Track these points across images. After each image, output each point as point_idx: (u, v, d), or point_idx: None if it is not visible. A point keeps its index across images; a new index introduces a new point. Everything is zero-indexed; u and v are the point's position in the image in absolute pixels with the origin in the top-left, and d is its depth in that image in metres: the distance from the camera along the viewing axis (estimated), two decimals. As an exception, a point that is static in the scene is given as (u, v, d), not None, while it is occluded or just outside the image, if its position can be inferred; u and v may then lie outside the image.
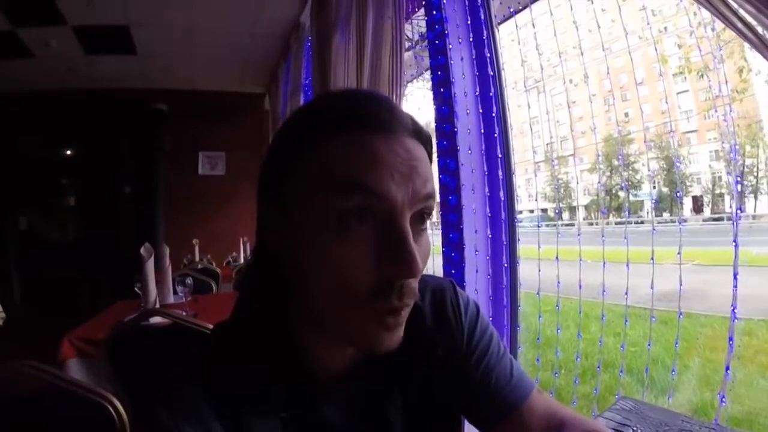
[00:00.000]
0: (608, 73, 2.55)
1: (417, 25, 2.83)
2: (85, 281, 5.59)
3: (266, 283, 0.54)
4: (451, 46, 2.01)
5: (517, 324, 2.01)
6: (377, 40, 2.29)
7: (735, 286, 1.38)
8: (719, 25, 1.19)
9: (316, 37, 3.14)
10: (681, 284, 1.66)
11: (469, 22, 2.08)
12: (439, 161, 1.99)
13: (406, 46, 2.46)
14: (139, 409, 0.51)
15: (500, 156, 2.02)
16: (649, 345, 2.34)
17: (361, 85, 2.38)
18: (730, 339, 1.41)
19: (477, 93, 2.05)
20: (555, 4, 2.20)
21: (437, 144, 1.99)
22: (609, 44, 2.38)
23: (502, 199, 2.01)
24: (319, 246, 0.46)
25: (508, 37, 2.39)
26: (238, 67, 5.51)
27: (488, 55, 2.05)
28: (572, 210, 20.10)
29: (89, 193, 6.09)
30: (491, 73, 2.04)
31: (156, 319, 1.70)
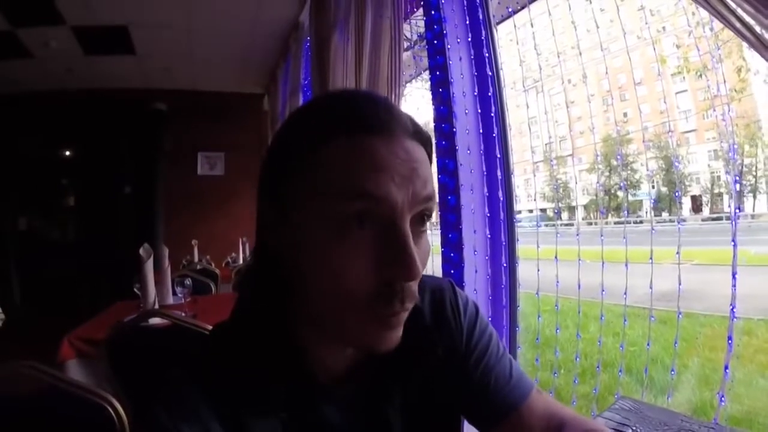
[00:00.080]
0: (607, 73, 2.56)
1: (415, 25, 2.83)
2: (85, 281, 5.58)
3: (266, 284, 0.54)
4: (449, 46, 2.01)
5: (516, 324, 2.01)
6: (376, 40, 2.29)
7: (734, 286, 1.38)
8: (717, 24, 1.19)
9: (314, 37, 3.14)
10: (680, 284, 1.66)
11: (467, 22, 2.08)
12: (437, 161, 1.99)
13: (405, 46, 2.46)
14: (138, 410, 0.51)
15: (499, 156, 2.02)
16: (648, 345, 2.34)
17: (359, 85, 2.38)
18: (730, 338, 1.41)
19: (476, 93, 2.05)
20: (553, 4, 2.20)
21: (436, 144, 1.99)
22: (607, 44, 2.39)
23: (501, 199, 2.01)
24: (318, 248, 0.46)
25: (506, 37, 2.39)
26: (237, 67, 5.51)
27: (487, 55, 2.05)
28: (571, 210, 20.10)
29: (89, 194, 6.09)
30: (490, 73, 2.04)
31: (155, 320, 1.70)
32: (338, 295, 0.46)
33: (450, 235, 1.96)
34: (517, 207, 2.10)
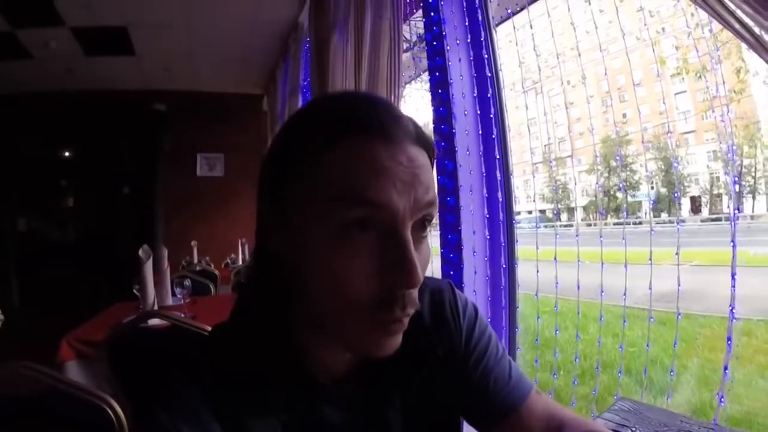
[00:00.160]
0: (606, 74, 2.56)
1: (415, 26, 2.83)
2: (85, 282, 5.58)
3: (265, 285, 0.54)
4: (449, 48, 2.01)
5: (515, 325, 2.01)
6: (375, 41, 2.29)
7: (733, 287, 1.38)
8: (717, 26, 1.19)
9: (314, 38, 3.15)
10: (679, 285, 1.67)
11: (467, 24, 2.08)
12: (437, 162, 1.98)
13: (404, 48, 2.46)
14: (138, 411, 0.51)
15: (498, 157, 2.02)
16: (647, 345, 2.35)
17: (359, 86, 2.38)
18: (729, 339, 1.41)
19: (475, 94, 2.05)
20: (552, 6, 2.20)
21: (435, 145, 1.99)
22: (607, 45, 2.39)
23: (501, 200, 2.01)
24: (319, 251, 0.46)
25: (505, 38, 2.39)
26: (237, 67, 5.51)
27: (486, 56, 2.05)
28: (570, 211, 20.10)
29: (88, 194, 6.09)
30: (489, 75, 2.04)
31: (154, 321, 1.70)
32: (338, 299, 0.46)
33: (449, 237, 1.96)
34: (516, 208, 2.10)
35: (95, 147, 5.97)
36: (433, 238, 1.97)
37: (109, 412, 1.07)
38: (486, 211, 2.01)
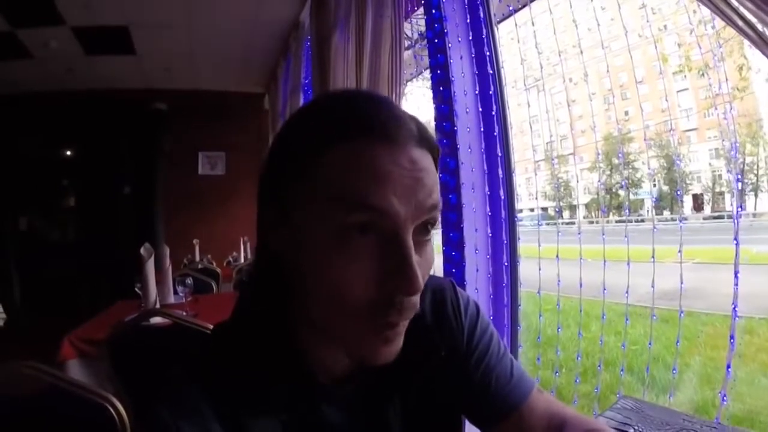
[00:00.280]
0: (608, 71, 2.55)
1: (416, 23, 2.83)
2: (85, 281, 5.59)
3: (266, 284, 0.53)
4: (450, 45, 2.00)
5: (517, 323, 2.01)
6: (376, 39, 2.28)
7: (736, 285, 1.38)
8: (719, 22, 1.19)
9: (315, 37, 3.14)
10: (682, 282, 1.66)
11: (468, 21, 2.08)
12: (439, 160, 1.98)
13: (406, 45, 2.46)
14: (139, 409, 0.50)
15: (500, 154, 2.02)
16: (649, 343, 2.34)
17: (360, 84, 2.38)
18: (732, 337, 1.41)
19: (477, 92, 2.05)
20: (554, 3, 2.20)
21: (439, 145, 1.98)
22: (609, 42, 2.38)
23: (502, 197, 2.01)
24: (319, 251, 0.45)
25: (507, 35, 2.39)
26: (237, 67, 5.51)
27: (488, 53, 2.05)
28: (572, 209, 20.09)
29: (89, 194, 6.10)
30: (491, 72, 2.04)
31: (156, 320, 1.70)
32: (336, 302, 0.45)
33: (451, 234, 1.96)
34: (518, 206, 2.09)
35: (96, 146, 5.98)
36: (435, 235, 1.96)
37: (111, 410, 1.07)
38: (488, 209, 2.01)
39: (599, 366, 2.80)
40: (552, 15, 2.15)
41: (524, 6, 2.26)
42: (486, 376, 0.63)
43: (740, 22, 1.01)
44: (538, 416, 0.62)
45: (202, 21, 4.23)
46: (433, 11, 2.07)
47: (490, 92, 2.03)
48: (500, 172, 2.01)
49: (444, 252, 1.99)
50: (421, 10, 2.22)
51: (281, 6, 4.03)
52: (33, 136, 5.73)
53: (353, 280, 0.44)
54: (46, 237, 6.04)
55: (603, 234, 2.04)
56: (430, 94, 2.12)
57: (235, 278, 3.66)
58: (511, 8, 2.32)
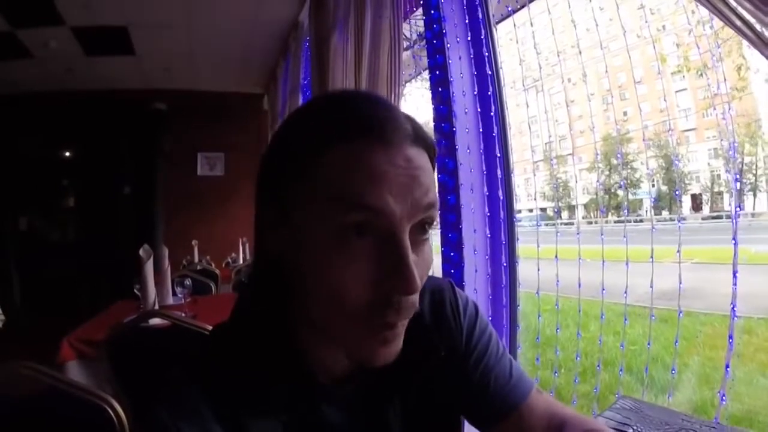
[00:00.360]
0: (607, 71, 2.56)
1: (415, 24, 2.83)
2: (85, 282, 5.58)
3: (266, 284, 0.53)
4: (449, 46, 2.00)
5: (516, 323, 2.01)
6: (375, 39, 2.28)
7: (735, 284, 1.38)
8: (718, 23, 1.19)
9: (314, 37, 3.14)
10: (680, 282, 1.66)
11: (467, 21, 2.08)
12: (437, 160, 1.98)
13: (404, 46, 2.46)
14: (138, 410, 0.50)
15: (499, 155, 2.02)
16: (648, 344, 2.34)
17: (359, 84, 2.38)
18: (730, 337, 1.41)
19: (475, 92, 2.05)
20: (553, 3, 2.20)
21: (435, 143, 1.98)
22: (607, 43, 2.39)
23: (501, 198, 2.01)
24: (318, 251, 0.45)
25: (506, 36, 2.39)
26: (237, 67, 5.51)
27: (486, 54, 2.05)
28: (571, 209, 20.10)
29: (89, 194, 6.09)
30: (489, 72, 2.04)
31: (155, 321, 1.70)
32: (335, 303, 0.45)
33: (450, 235, 1.96)
34: (517, 206, 2.10)
35: (95, 147, 5.97)
36: (434, 236, 1.97)
37: (110, 411, 1.07)
38: (487, 210, 2.01)
39: (598, 366, 2.81)
40: (550, 15, 2.15)
41: (523, 7, 2.26)
42: (485, 376, 0.63)
43: (738, 23, 1.01)
44: (537, 416, 0.62)
45: (201, 21, 4.23)
46: (432, 12, 2.07)
47: (489, 93, 2.03)
48: (499, 172, 2.02)
49: (443, 253, 1.99)
50: (420, 10, 2.22)
51: (281, 6, 4.03)
52: (33, 136, 5.72)
53: (352, 281, 0.44)
54: (46, 237, 6.03)
55: (602, 234, 2.04)
56: (428, 94, 2.12)
57: (234, 279, 3.66)
58: (509, 9, 2.33)
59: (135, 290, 2.41)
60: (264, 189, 0.52)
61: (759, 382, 3.21)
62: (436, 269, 2.00)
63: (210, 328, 1.21)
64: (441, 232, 2.00)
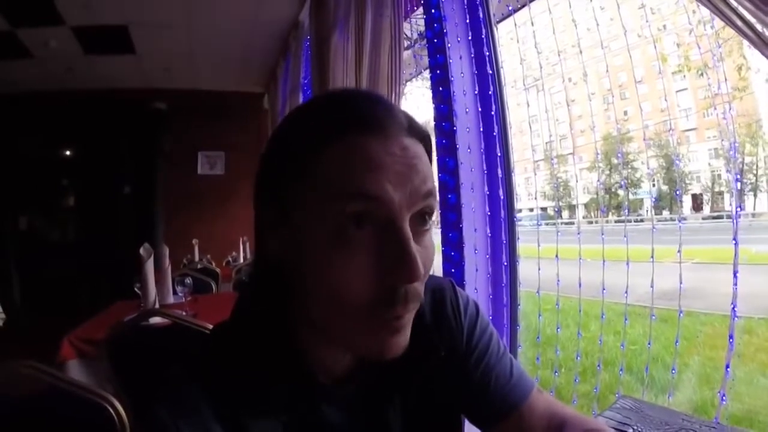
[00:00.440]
0: (607, 71, 2.55)
1: (416, 23, 2.83)
2: (85, 281, 5.58)
3: (266, 284, 0.53)
4: (449, 45, 2.00)
5: (516, 323, 2.01)
6: (376, 38, 2.28)
7: (735, 284, 1.38)
8: (718, 22, 1.19)
9: (314, 36, 3.14)
10: (681, 282, 1.66)
11: (467, 21, 2.08)
12: (438, 160, 1.99)
13: (405, 45, 2.46)
14: (138, 409, 0.50)
15: (499, 154, 2.02)
16: (649, 343, 2.34)
17: (360, 84, 2.38)
18: (731, 337, 1.41)
19: (476, 91, 2.05)
20: (554, 3, 2.19)
21: (436, 143, 1.99)
22: (608, 42, 2.38)
23: (502, 197, 2.01)
24: (318, 251, 0.45)
25: (507, 35, 2.39)
26: (237, 66, 5.51)
27: (487, 53, 2.05)
28: (572, 208, 20.09)
29: (89, 194, 6.09)
30: (490, 72, 2.04)
31: (156, 320, 1.69)
32: (339, 301, 0.45)
33: (450, 234, 1.96)
34: (517, 205, 2.09)
35: (95, 146, 5.97)
36: (435, 236, 1.96)
37: (111, 410, 1.07)
38: (487, 209, 2.01)
39: (598, 366, 2.80)
40: (551, 15, 2.15)
41: (523, 6, 2.26)
42: (485, 376, 0.63)
43: (739, 23, 1.01)
44: (538, 416, 0.62)
45: (201, 21, 4.23)
46: (433, 11, 2.07)
47: (490, 92, 2.03)
48: (499, 171, 2.01)
49: (443, 252, 1.99)
50: (421, 9, 2.22)
51: (281, 6, 4.03)
52: (33, 135, 5.72)
53: (353, 279, 0.44)
54: (46, 237, 6.03)
55: (602, 234, 2.04)
56: (429, 93, 2.12)
57: (234, 278, 3.66)
58: (510, 8, 2.32)
59: (135, 289, 2.40)
60: (264, 189, 0.52)
61: (759, 382, 3.21)
62: (437, 268, 2.00)
63: (210, 327, 1.21)
64: (441, 231, 2.00)
